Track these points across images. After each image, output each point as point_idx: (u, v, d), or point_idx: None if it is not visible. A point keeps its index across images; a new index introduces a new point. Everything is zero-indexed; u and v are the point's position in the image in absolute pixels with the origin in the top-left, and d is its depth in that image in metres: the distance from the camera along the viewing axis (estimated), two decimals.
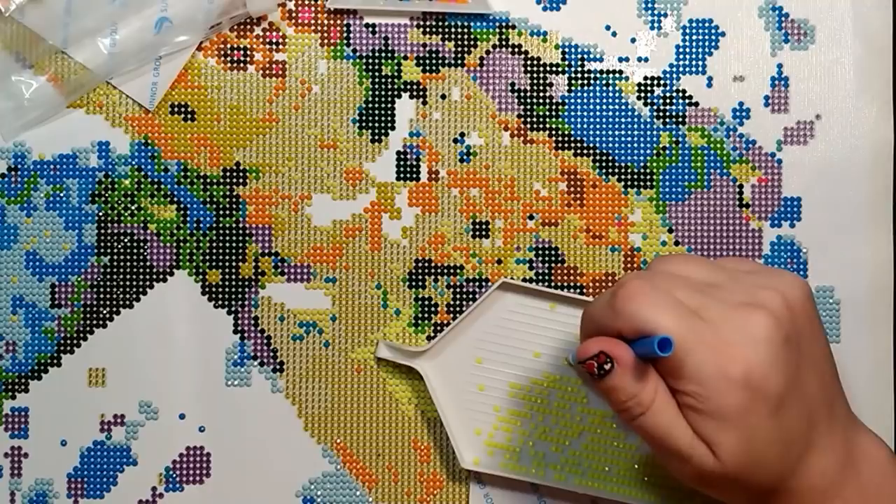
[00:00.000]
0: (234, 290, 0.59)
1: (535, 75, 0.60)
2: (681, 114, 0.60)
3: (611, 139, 0.60)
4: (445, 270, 0.59)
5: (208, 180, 0.59)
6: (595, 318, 0.46)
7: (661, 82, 0.60)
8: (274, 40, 0.60)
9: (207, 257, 0.59)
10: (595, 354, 0.44)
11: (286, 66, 0.60)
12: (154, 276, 0.59)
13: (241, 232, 0.59)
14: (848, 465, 0.46)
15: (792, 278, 0.46)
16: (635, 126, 0.60)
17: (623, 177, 0.60)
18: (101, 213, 0.59)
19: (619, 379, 0.44)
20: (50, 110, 0.59)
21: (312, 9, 0.60)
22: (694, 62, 0.60)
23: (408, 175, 0.60)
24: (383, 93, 0.60)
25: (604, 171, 0.60)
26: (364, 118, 0.60)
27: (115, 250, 0.59)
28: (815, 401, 0.45)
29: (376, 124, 0.60)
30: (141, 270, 0.59)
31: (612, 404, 0.45)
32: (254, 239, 0.59)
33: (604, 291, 0.49)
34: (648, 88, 0.60)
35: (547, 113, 0.60)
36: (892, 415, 0.59)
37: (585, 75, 0.60)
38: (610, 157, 0.60)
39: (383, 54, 0.60)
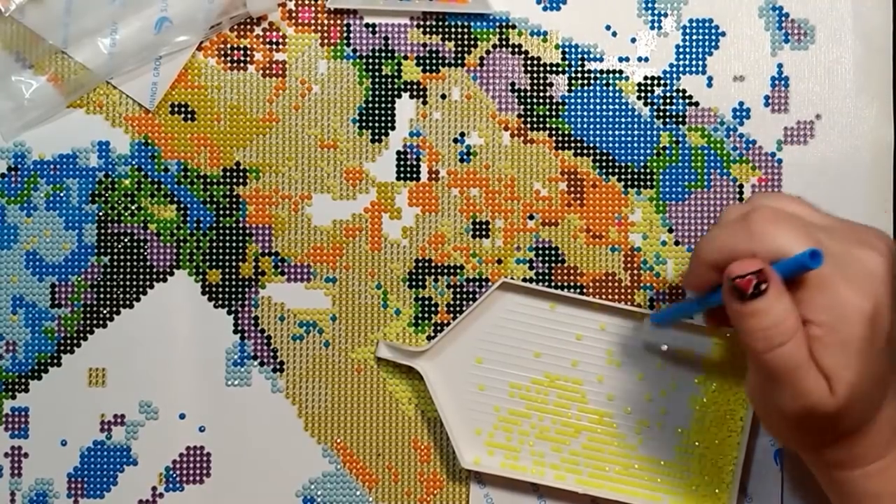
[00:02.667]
0: (234, 290, 0.59)
1: (535, 75, 0.60)
2: (681, 114, 0.60)
3: (611, 139, 0.60)
4: (445, 270, 0.59)
5: (208, 180, 0.59)
6: (725, 243, 0.45)
7: (662, 82, 0.60)
8: (274, 40, 0.60)
9: (207, 257, 0.59)
10: (755, 271, 0.43)
11: (286, 66, 0.60)
12: (154, 276, 0.59)
13: (241, 232, 0.59)
14: None
15: (878, 229, 0.46)
16: (635, 126, 0.60)
17: (623, 177, 0.60)
18: (101, 213, 0.59)
19: (772, 301, 0.43)
20: (50, 110, 0.59)
21: (312, 9, 0.60)
22: (694, 62, 0.60)
23: (408, 175, 0.60)
24: (383, 93, 0.60)
25: (604, 170, 0.60)
26: (364, 118, 0.60)
27: (115, 250, 0.59)
28: None
29: (376, 124, 0.60)
30: (141, 270, 0.59)
31: (750, 331, 0.44)
32: (254, 239, 0.59)
33: (722, 220, 0.47)
34: (648, 88, 0.60)
35: (547, 113, 0.60)
36: None
37: (585, 75, 0.60)
38: (610, 157, 0.60)
39: (383, 54, 0.60)
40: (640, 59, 0.60)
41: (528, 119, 0.60)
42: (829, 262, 0.43)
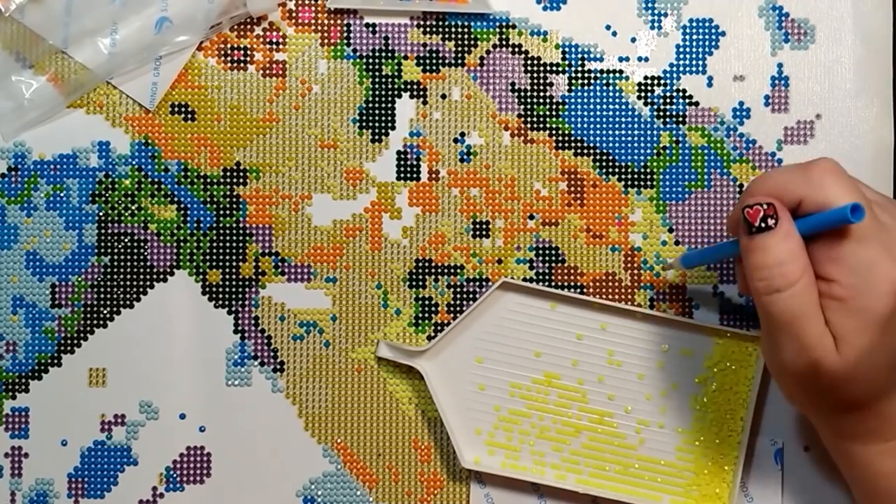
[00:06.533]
0: (234, 290, 0.59)
1: (535, 75, 0.60)
2: (681, 113, 0.60)
3: (611, 139, 0.60)
4: (446, 270, 0.59)
5: (208, 180, 0.59)
6: (778, 181, 0.45)
7: (662, 82, 0.60)
8: (274, 40, 0.60)
9: (207, 257, 0.59)
10: (766, 204, 0.44)
11: (286, 66, 0.60)
12: (154, 276, 0.59)
13: (241, 232, 0.59)
14: None
15: None
16: (635, 126, 0.60)
17: (623, 176, 0.60)
18: (101, 213, 0.59)
19: (777, 239, 0.43)
20: (50, 110, 0.59)
21: (312, 9, 0.60)
22: (694, 62, 0.60)
23: (408, 175, 0.60)
24: (383, 93, 0.60)
25: (604, 170, 0.60)
26: (364, 118, 0.60)
27: (116, 250, 0.59)
28: None
29: (376, 124, 0.60)
30: (141, 270, 0.59)
31: (754, 269, 0.44)
32: (254, 239, 0.59)
33: (785, 165, 0.48)
34: (649, 88, 0.60)
35: (547, 113, 0.60)
36: None
37: (585, 75, 0.60)
38: (610, 157, 0.60)
39: (383, 54, 0.60)
40: (640, 58, 0.60)
41: (529, 119, 0.60)
42: (874, 228, 0.43)
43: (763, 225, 0.44)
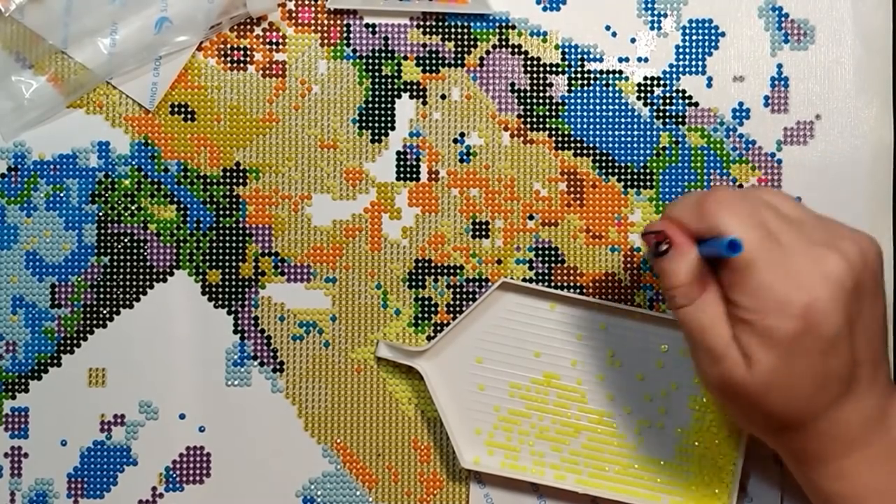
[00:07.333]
0: (234, 290, 0.59)
1: (535, 75, 0.60)
2: (681, 114, 0.60)
3: (611, 139, 0.60)
4: (445, 270, 0.59)
5: (208, 180, 0.59)
6: (678, 211, 0.48)
7: (661, 82, 0.60)
8: (274, 40, 0.60)
9: (207, 257, 0.59)
10: (657, 231, 0.47)
11: (286, 66, 0.60)
12: (154, 276, 0.59)
13: (241, 232, 0.59)
14: (879, 423, 0.47)
15: (870, 237, 0.47)
16: (635, 126, 0.60)
17: (623, 177, 0.60)
18: (101, 213, 0.59)
19: (673, 263, 0.47)
20: (50, 110, 0.59)
21: (312, 9, 0.60)
22: (694, 62, 0.60)
23: (408, 175, 0.60)
24: (383, 93, 0.60)
25: (604, 171, 0.60)
26: (364, 118, 0.60)
27: (115, 250, 0.59)
28: (861, 354, 0.46)
29: (376, 124, 0.60)
30: (141, 270, 0.59)
31: (663, 289, 0.48)
32: (254, 239, 0.59)
33: (692, 192, 0.50)
34: (648, 88, 0.60)
35: (547, 113, 0.60)
36: None
37: (585, 75, 0.60)
38: (610, 157, 0.60)
39: (383, 54, 0.60)
40: (639, 59, 0.60)
41: (528, 119, 0.60)
42: (773, 252, 0.45)
43: (659, 250, 0.47)
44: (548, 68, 0.60)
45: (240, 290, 0.59)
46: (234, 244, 0.59)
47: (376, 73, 0.60)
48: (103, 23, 0.58)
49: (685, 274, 0.46)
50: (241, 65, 0.60)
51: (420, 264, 0.60)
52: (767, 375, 0.45)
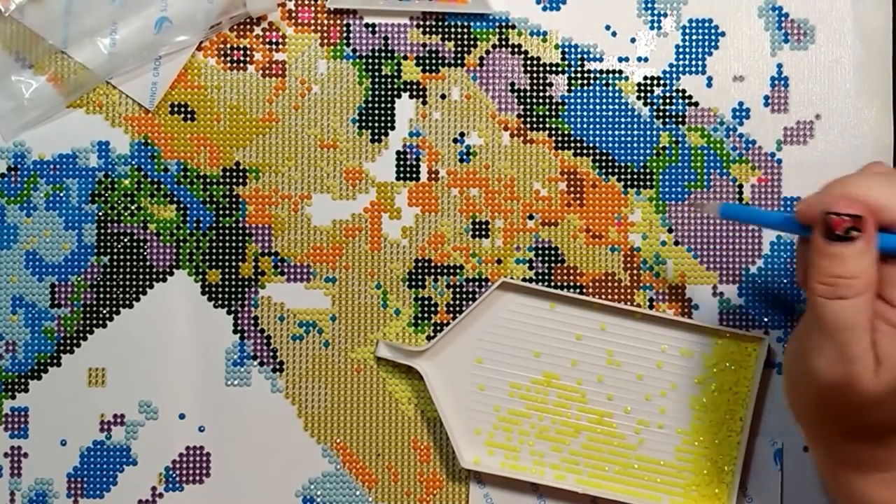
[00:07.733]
0: (233, 289, 0.59)
1: (535, 75, 0.60)
2: (681, 114, 0.60)
3: (611, 139, 0.60)
4: (445, 270, 0.59)
5: (208, 180, 0.59)
6: (875, 195, 0.43)
7: (661, 82, 0.60)
8: (274, 40, 0.60)
9: (207, 257, 0.59)
10: (856, 215, 0.42)
11: (286, 66, 0.60)
12: (154, 276, 0.59)
13: (241, 232, 0.59)
14: None
15: None
16: (635, 126, 0.60)
17: (623, 177, 0.60)
18: (101, 213, 0.59)
19: (854, 252, 0.42)
20: (50, 110, 0.59)
21: (312, 9, 0.60)
22: (694, 62, 0.60)
23: (408, 175, 0.60)
24: (383, 93, 0.60)
25: (604, 171, 0.60)
26: (364, 118, 0.60)
27: (115, 250, 0.59)
28: None
29: (376, 124, 0.60)
30: (141, 270, 0.59)
31: (820, 273, 0.43)
32: (254, 239, 0.59)
33: (889, 169, 0.45)
34: (648, 88, 0.60)
35: (547, 113, 0.60)
36: None
37: (585, 75, 0.60)
38: (610, 157, 0.60)
39: (383, 54, 0.60)
40: (639, 59, 0.60)
41: (528, 119, 0.60)
42: None
43: (846, 235, 0.42)
44: (548, 68, 0.60)
45: (239, 289, 0.59)
46: (233, 244, 0.59)
47: (376, 73, 0.60)
48: (103, 23, 0.58)
49: (864, 266, 0.42)
50: (241, 64, 0.60)
51: (420, 264, 0.59)
52: (891, 384, 0.42)
